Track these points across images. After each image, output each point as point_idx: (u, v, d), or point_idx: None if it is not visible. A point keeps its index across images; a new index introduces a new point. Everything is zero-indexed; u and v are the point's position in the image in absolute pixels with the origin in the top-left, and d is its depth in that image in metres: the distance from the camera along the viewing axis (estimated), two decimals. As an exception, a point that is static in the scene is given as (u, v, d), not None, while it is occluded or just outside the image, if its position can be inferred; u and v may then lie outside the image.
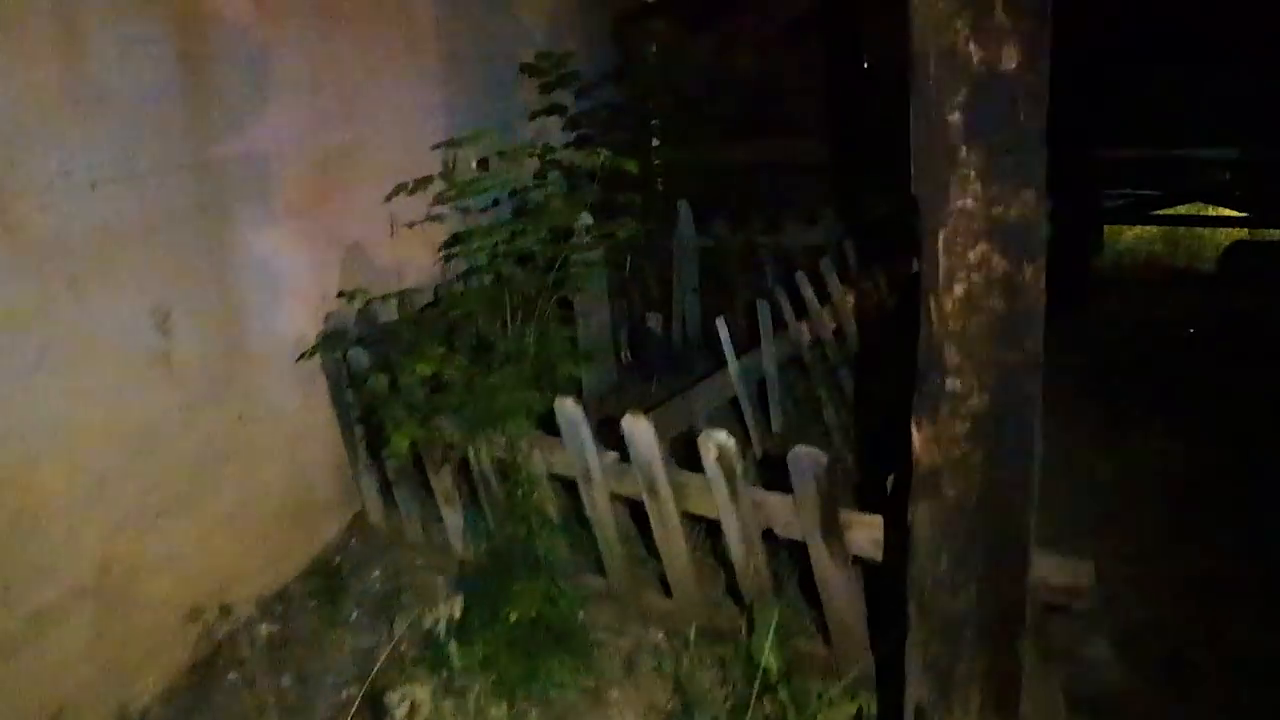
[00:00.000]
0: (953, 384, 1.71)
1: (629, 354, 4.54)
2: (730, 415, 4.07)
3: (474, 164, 3.42)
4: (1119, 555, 3.37)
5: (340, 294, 3.47)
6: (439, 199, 3.44)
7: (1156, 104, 6.92)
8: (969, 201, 1.62)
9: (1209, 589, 3.29)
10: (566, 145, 5.05)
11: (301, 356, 3.41)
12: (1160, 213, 8.22)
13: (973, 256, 1.64)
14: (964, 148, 1.62)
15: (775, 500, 2.60)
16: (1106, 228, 8.33)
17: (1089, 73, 5.85)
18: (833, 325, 4.54)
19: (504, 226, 3.26)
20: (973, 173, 1.62)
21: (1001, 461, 1.74)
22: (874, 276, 4.94)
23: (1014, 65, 1.55)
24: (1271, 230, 7.80)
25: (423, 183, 3.36)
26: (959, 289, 1.66)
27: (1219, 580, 3.33)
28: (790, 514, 2.56)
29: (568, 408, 2.89)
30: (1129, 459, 4.15)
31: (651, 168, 5.71)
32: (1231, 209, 7.90)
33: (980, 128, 1.60)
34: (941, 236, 1.66)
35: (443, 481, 3.43)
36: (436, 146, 3.42)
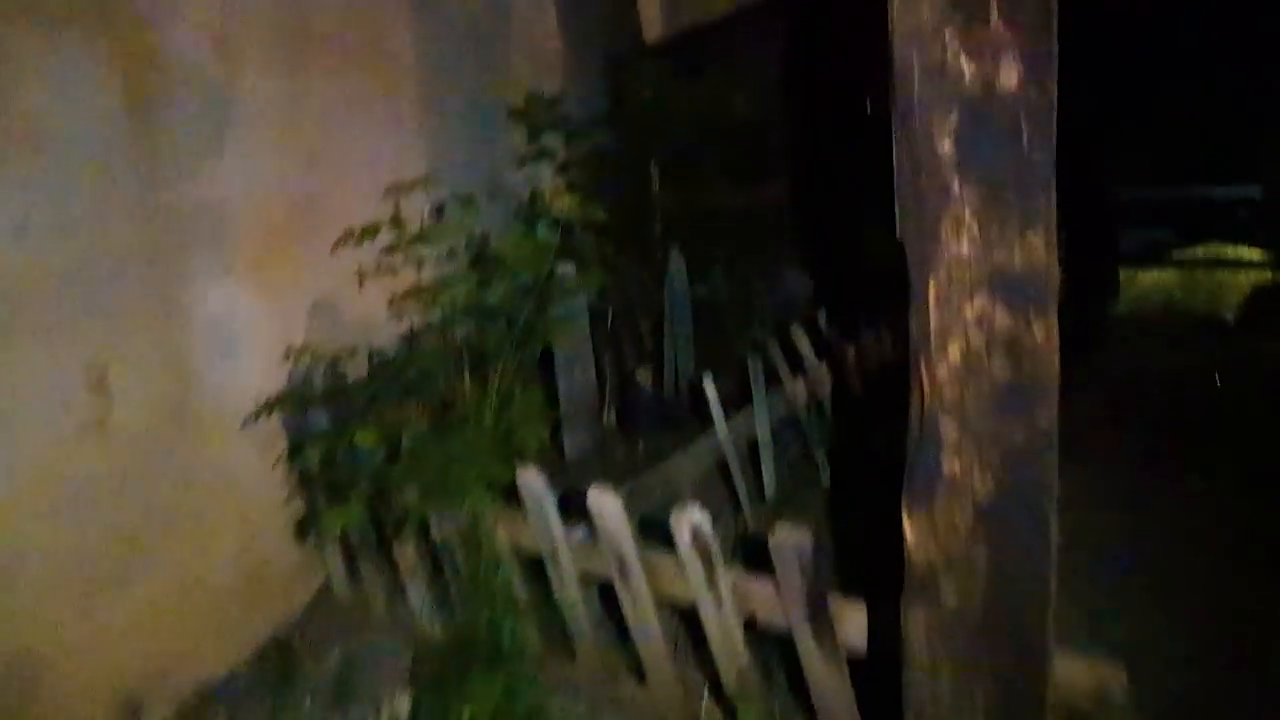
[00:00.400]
0: (950, 466, 1.42)
1: (613, 413, 4.26)
2: (720, 479, 3.79)
3: (426, 212, 3.18)
4: (1151, 631, 3.05)
5: (286, 354, 3.21)
6: (389, 250, 3.19)
7: (1171, 140, 6.66)
8: (964, 247, 1.35)
9: (1254, 663, 2.96)
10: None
11: (247, 420, 3.15)
12: (1178, 256, 7.95)
13: (970, 312, 1.36)
14: (957, 182, 1.34)
15: (758, 586, 2.31)
16: (1121, 271, 8.05)
17: (1102, 105, 5.59)
18: (831, 381, 4.26)
19: (463, 279, 3.01)
20: (968, 212, 1.34)
21: (1011, 558, 1.44)
22: (877, 327, 4.68)
23: (1014, 83, 1.28)
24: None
25: (369, 232, 3.12)
26: (955, 351, 1.38)
27: (1264, 652, 3.00)
28: (774, 602, 2.26)
29: (531, 479, 2.61)
30: (1155, 521, 3.83)
31: (647, 215, 5.49)
32: (1253, 249, 7.61)
33: (976, 158, 1.33)
34: (932, 288, 1.38)
35: (405, 554, 3.15)
36: (389, 193, 3.18)
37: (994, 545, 1.44)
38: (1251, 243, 7.53)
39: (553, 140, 4.83)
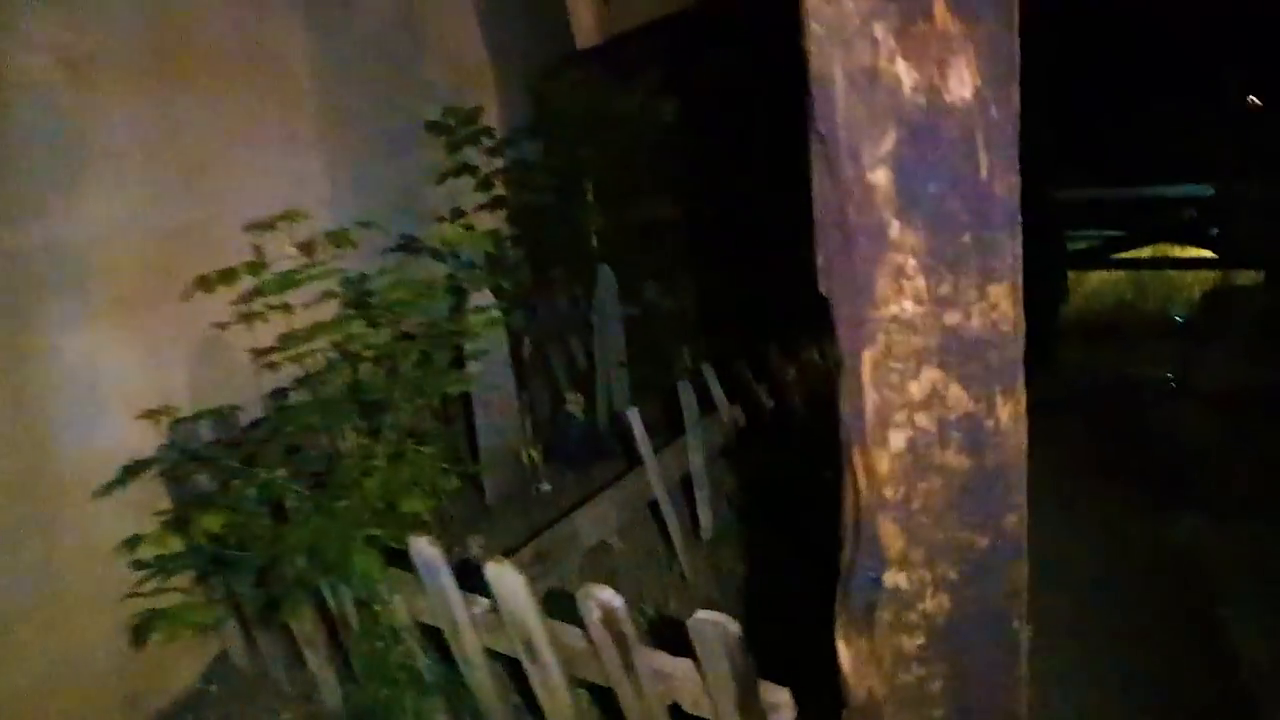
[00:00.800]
0: (895, 580, 1.12)
1: (534, 450, 3.93)
2: (652, 518, 3.51)
3: (291, 248, 2.83)
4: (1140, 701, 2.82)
5: (146, 413, 2.85)
6: (248, 298, 2.84)
7: (1121, 139, 6.54)
8: (908, 305, 1.04)
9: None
10: (480, 208, 4.55)
11: (100, 489, 2.77)
12: (1126, 255, 7.85)
13: (917, 389, 1.06)
14: (896, 223, 1.04)
15: (681, 671, 1.99)
16: (1071, 272, 7.92)
17: (1048, 102, 5.43)
18: (771, 404, 3.98)
19: (340, 324, 2.67)
20: (911, 261, 1.04)
21: (972, 687, 1.15)
22: (821, 345, 4.42)
23: (968, 94, 0.97)
24: (1244, 272, 7.41)
25: (226, 276, 2.77)
26: (898, 439, 1.07)
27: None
28: (699, 688, 1.95)
29: (423, 548, 2.28)
30: (1131, 555, 3.59)
31: (579, 230, 5.20)
32: (1202, 249, 7.53)
33: (919, 191, 1.03)
34: (868, 360, 1.07)
35: (301, 623, 2.81)
36: (250, 228, 2.84)
37: (950, 673, 1.14)
38: (1201, 243, 7.45)
39: (474, 154, 4.54)
